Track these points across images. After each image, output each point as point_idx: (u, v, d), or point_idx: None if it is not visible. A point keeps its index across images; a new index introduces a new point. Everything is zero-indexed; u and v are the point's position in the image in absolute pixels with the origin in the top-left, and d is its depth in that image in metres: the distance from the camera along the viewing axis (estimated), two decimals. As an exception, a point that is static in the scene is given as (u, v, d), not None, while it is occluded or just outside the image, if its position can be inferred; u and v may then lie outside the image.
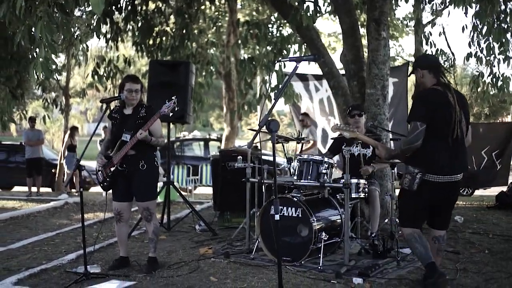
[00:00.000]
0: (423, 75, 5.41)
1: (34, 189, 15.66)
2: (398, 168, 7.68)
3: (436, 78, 5.38)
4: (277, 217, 4.48)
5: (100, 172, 6.43)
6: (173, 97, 6.30)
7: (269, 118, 4.33)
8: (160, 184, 8.24)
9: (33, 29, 7.27)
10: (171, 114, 6.33)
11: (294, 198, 6.57)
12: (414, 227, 5.41)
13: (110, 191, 6.49)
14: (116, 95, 6.63)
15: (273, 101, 13.05)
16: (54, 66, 7.62)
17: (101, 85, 14.57)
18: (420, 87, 5.55)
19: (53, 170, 18.79)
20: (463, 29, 11.73)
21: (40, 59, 7.08)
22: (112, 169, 6.32)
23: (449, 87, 5.32)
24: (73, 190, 16.57)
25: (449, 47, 18.89)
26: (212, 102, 34.67)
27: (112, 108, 6.71)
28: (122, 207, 6.45)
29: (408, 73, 5.45)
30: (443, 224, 5.62)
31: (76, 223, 10.14)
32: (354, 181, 6.87)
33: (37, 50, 7.23)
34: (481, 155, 12.28)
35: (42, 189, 16.45)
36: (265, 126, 4.35)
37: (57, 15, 7.20)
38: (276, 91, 12.59)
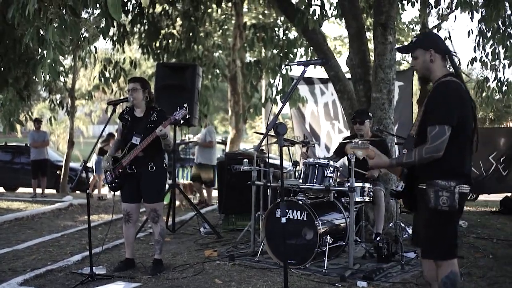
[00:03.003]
0: (434, 59, 4.25)
1: (38, 190, 15.67)
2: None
3: (446, 68, 4.30)
4: (283, 220, 4.50)
5: (109, 173, 6.46)
6: (184, 105, 6.31)
7: (277, 121, 4.35)
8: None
9: (41, 31, 7.30)
10: (182, 121, 6.36)
11: (300, 202, 6.58)
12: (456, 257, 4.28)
13: (118, 192, 6.54)
14: (122, 97, 6.64)
15: (279, 104, 13.13)
16: (61, 68, 7.62)
17: (108, 87, 14.61)
18: (420, 72, 4.38)
19: (57, 172, 18.81)
20: (468, 34, 11.77)
21: (48, 61, 7.10)
22: (121, 170, 6.36)
23: (463, 79, 4.31)
24: (95, 192, 16.35)
25: (454, 51, 18.78)
26: (216, 105, 34.72)
27: (122, 109, 6.74)
28: (131, 208, 6.49)
29: (408, 52, 4.25)
30: None
31: (81, 225, 10.17)
32: (359, 184, 6.89)
33: (45, 52, 7.26)
34: (489, 160, 12.11)
35: (47, 191, 16.47)
36: (272, 129, 4.37)
37: (66, 17, 7.22)
38: (281, 94, 12.61)
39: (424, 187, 4.17)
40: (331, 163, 6.89)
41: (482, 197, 16.39)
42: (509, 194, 12.10)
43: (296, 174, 7.87)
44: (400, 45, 4.48)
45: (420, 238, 4.33)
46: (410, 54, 4.39)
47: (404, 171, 4.33)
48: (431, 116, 4.10)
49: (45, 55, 7.16)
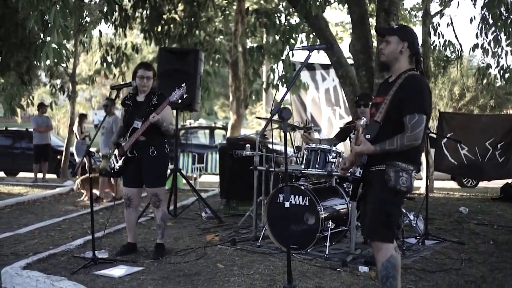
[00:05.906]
0: (404, 52, 4.32)
1: (39, 175, 15.70)
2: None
3: (412, 64, 4.37)
4: (287, 204, 4.51)
5: (112, 158, 6.47)
6: (182, 84, 6.33)
7: (281, 106, 4.35)
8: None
9: (46, 15, 7.26)
10: (179, 101, 6.37)
11: (302, 187, 6.58)
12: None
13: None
14: (123, 82, 6.64)
15: (281, 89, 13.11)
16: (65, 52, 7.59)
17: (109, 72, 14.59)
18: (388, 57, 4.39)
19: (58, 157, 18.81)
20: (471, 20, 11.72)
21: (53, 45, 7.04)
22: (122, 155, 6.36)
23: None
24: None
25: (456, 38, 18.75)
26: (217, 91, 34.71)
27: (125, 95, 6.74)
28: (132, 193, 6.49)
29: (384, 33, 4.32)
30: None
31: (82, 209, 10.18)
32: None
33: (48, 36, 7.21)
34: (486, 146, 11.99)
35: (47, 176, 16.48)
36: (277, 114, 4.36)
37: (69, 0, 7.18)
38: (283, 80, 12.59)
39: (383, 168, 4.23)
40: (334, 148, 6.88)
41: (482, 184, 16.46)
42: (509, 181, 12.10)
43: (298, 160, 7.88)
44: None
45: (366, 221, 4.39)
46: (383, 35, 4.42)
47: (363, 158, 4.32)
48: (408, 105, 4.14)
49: (48, 39, 7.11)
